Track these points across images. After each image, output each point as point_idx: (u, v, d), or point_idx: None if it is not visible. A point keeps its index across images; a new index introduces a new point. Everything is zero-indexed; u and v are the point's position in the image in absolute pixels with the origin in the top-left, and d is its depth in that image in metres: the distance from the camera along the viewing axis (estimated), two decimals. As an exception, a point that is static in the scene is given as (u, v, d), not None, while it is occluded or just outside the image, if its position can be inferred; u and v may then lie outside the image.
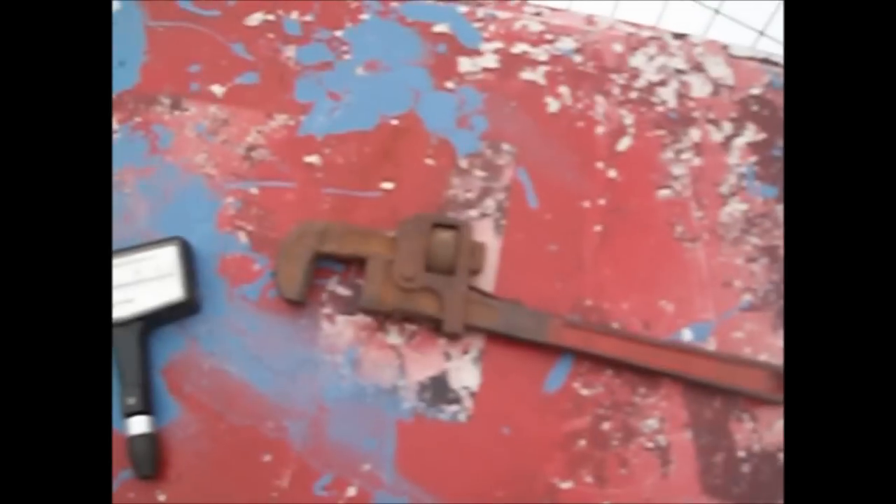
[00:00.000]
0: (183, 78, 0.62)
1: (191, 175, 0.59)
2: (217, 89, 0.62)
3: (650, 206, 0.59)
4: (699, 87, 0.63)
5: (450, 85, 0.62)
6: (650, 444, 0.55)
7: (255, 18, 0.64)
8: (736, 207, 0.60)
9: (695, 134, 0.61)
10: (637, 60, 0.63)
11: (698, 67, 0.63)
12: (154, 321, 0.54)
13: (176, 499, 0.53)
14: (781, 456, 0.54)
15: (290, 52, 0.63)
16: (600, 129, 0.61)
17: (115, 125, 0.60)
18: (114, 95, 0.61)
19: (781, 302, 0.58)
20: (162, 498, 0.53)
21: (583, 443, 0.54)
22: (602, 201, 0.59)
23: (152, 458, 0.52)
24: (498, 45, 0.63)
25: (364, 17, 0.64)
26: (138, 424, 0.52)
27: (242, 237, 0.58)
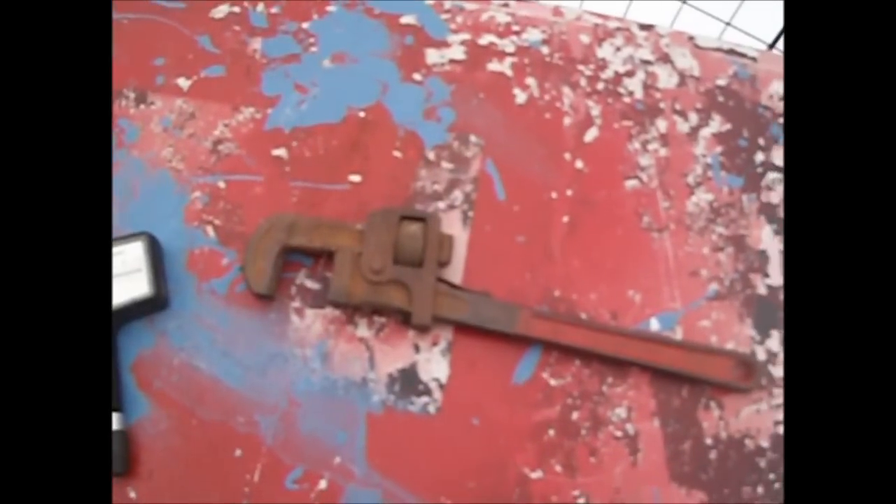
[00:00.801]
0: (148, 71, 0.61)
1: (157, 170, 0.59)
2: (183, 83, 0.61)
3: (618, 197, 0.60)
4: (666, 78, 0.63)
5: (417, 77, 0.62)
6: (619, 433, 0.55)
7: (221, 11, 0.63)
8: (702, 197, 0.60)
9: (661, 125, 0.62)
10: (604, 51, 0.63)
11: (665, 58, 0.64)
12: (122, 317, 0.54)
13: (147, 496, 0.53)
14: (748, 443, 0.55)
15: (256, 44, 0.62)
16: (568, 121, 0.61)
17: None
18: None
19: (747, 291, 0.58)
20: (133, 495, 0.52)
21: (552, 432, 0.55)
22: (570, 192, 0.60)
23: (123, 455, 0.52)
24: (465, 36, 0.63)
25: (331, 8, 0.64)
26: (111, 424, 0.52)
27: (210, 231, 0.58)
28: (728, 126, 0.62)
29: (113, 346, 0.53)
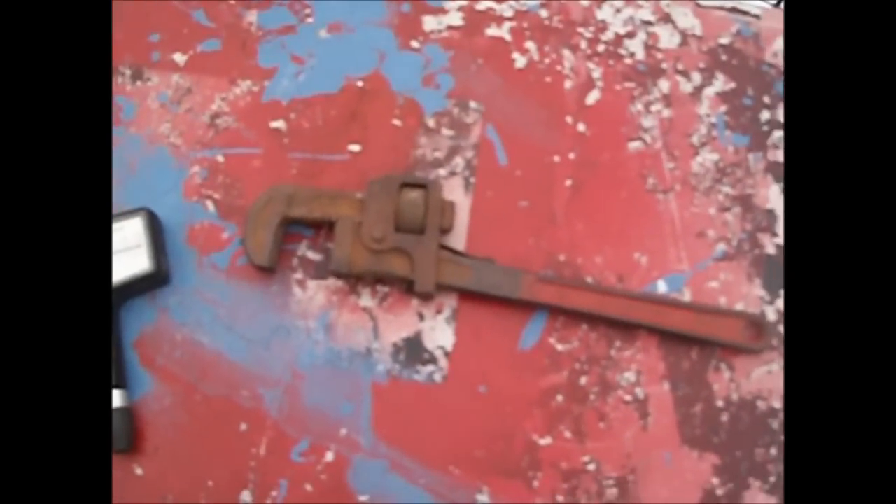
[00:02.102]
0: (143, 47, 0.61)
1: (155, 146, 0.58)
2: (179, 58, 0.60)
3: (621, 159, 0.59)
4: (667, 39, 0.62)
5: (415, 44, 0.61)
6: (628, 397, 0.54)
7: (215, -16, 0.62)
8: (707, 157, 0.59)
9: (664, 85, 0.61)
10: (604, 13, 0.62)
11: (666, 18, 0.62)
12: (123, 294, 0.54)
13: (153, 472, 0.52)
14: (760, 404, 0.54)
15: (251, 17, 0.62)
16: (569, 84, 0.60)
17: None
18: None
19: (755, 251, 0.57)
20: (139, 471, 0.52)
21: (560, 398, 0.54)
22: (572, 156, 0.59)
23: (128, 432, 0.52)
24: (462, 2, 0.62)
25: (326, -22, 0.63)
26: (112, 399, 0.51)
27: (210, 206, 0.57)
28: (732, 85, 0.61)
29: (114, 322, 0.53)
